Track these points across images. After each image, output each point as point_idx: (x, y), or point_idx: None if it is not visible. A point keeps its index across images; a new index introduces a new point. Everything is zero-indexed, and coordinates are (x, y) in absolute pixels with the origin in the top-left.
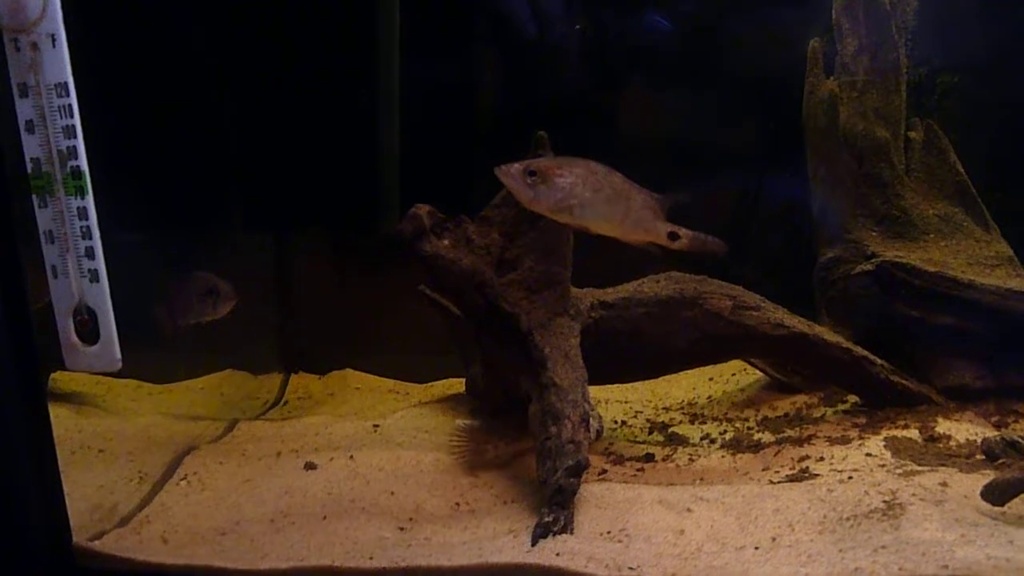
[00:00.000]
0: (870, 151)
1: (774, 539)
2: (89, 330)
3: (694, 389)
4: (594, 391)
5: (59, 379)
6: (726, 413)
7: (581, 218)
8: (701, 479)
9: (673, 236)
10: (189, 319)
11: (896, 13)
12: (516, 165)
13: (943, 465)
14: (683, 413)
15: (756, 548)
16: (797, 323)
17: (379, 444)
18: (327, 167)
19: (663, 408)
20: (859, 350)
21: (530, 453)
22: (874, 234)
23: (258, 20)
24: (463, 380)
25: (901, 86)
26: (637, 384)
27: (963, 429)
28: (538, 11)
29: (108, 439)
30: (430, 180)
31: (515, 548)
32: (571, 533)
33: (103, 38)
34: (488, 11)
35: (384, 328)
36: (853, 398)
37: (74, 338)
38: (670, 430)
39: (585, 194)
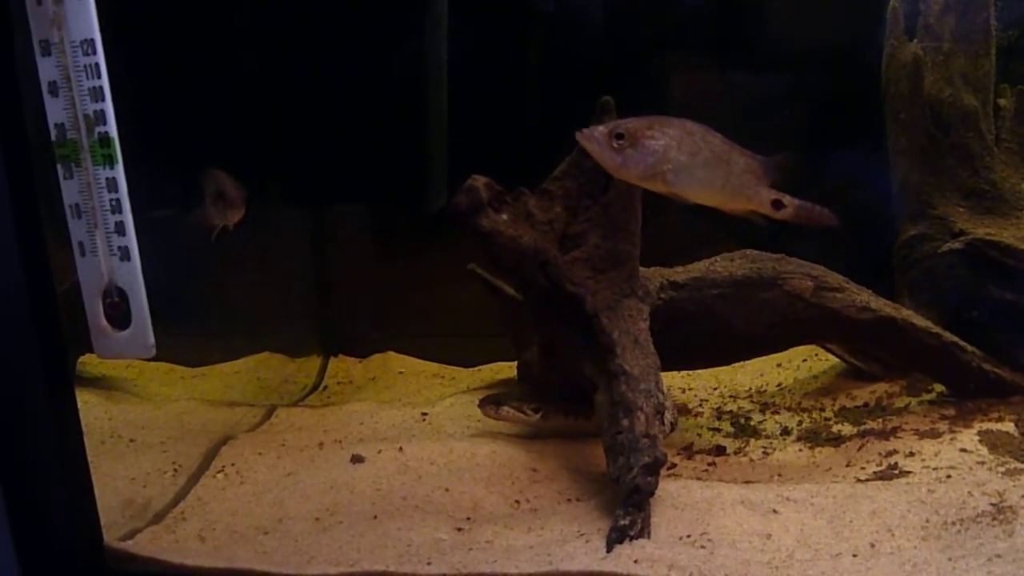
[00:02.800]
0: (957, 120)
1: (873, 545)
2: (120, 313)
3: (762, 375)
4: None
5: (87, 362)
6: (799, 402)
7: (675, 185)
8: (779, 475)
9: (777, 205)
10: (214, 220)
11: None
12: (600, 128)
13: None
14: (752, 401)
15: (854, 555)
16: (884, 306)
17: (429, 435)
18: (370, 142)
19: (730, 396)
20: (949, 336)
21: (590, 442)
22: (961, 209)
23: None
24: (513, 364)
25: (990, 50)
26: (700, 370)
27: None
28: None
29: (140, 427)
30: (479, 155)
31: (588, 554)
32: (648, 537)
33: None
34: None
35: (427, 309)
36: (938, 387)
37: (104, 322)
38: (740, 420)
39: (680, 158)
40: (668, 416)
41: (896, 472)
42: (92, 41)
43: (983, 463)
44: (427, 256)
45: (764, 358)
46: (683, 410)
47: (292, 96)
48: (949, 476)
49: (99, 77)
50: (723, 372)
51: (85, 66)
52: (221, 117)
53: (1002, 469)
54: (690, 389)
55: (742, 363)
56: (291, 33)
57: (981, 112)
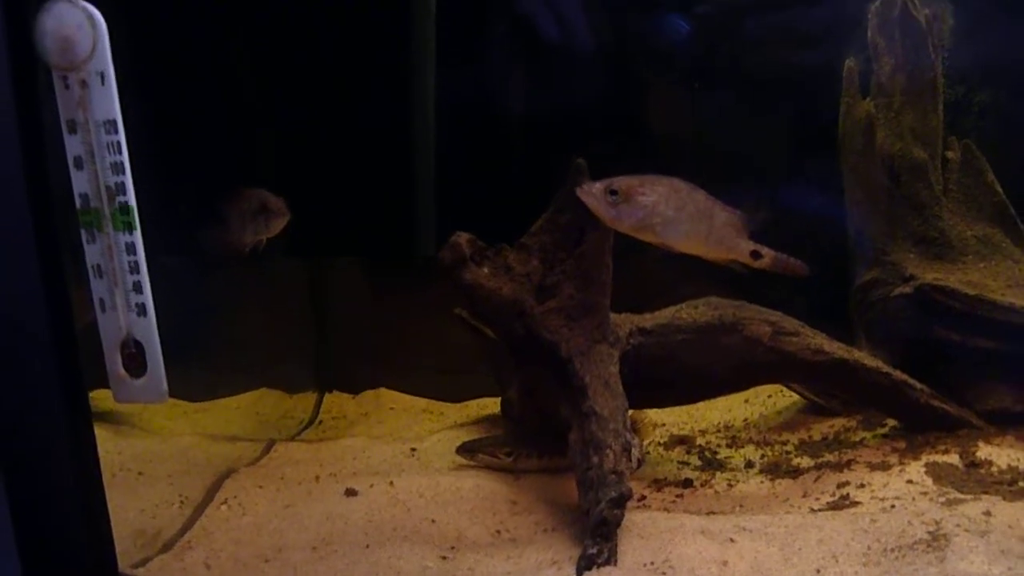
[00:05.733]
0: (907, 172)
1: (818, 571)
2: (137, 363)
3: (730, 411)
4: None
5: (97, 398)
6: (764, 436)
7: (664, 236)
8: (741, 506)
9: (756, 255)
10: (245, 238)
11: (933, 32)
12: (597, 184)
13: (986, 493)
14: (720, 436)
15: None
16: (837, 348)
17: (417, 469)
18: (362, 188)
19: (699, 431)
20: (899, 375)
21: (568, 476)
22: (912, 256)
23: (291, 44)
24: (497, 400)
25: (938, 106)
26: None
27: (1004, 454)
28: (571, 20)
29: (148, 461)
30: (466, 201)
31: None
32: (615, 564)
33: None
34: (522, 25)
35: (416, 347)
36: (892, 421)
37: (122, 371)
38: (707, 454)
39: (668, 212)
40: (635, 453)
41: (847, 502)
42: (114, 122)
43: (926, 493)
44: (415, 296)
45: (732, 394)
46: (684, 440)
47: (285, 145)
48: (893, 506)
49: (120, 153)
50: (694, 407)
51: (107, 143)
52: (216, 164)
53: (942, 499)
54: (662, 424)
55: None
56: (281, 84)
57: (930, 165)
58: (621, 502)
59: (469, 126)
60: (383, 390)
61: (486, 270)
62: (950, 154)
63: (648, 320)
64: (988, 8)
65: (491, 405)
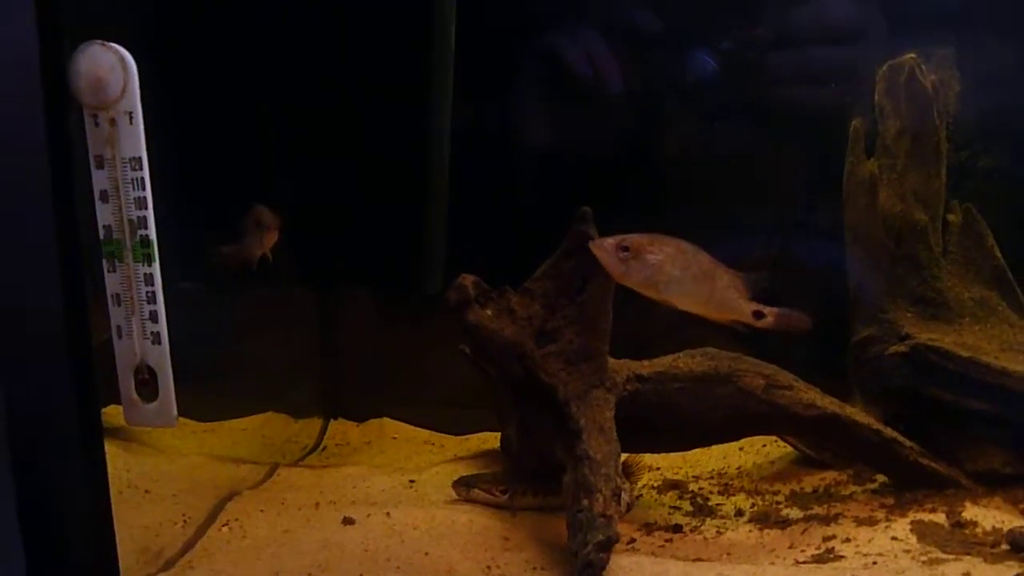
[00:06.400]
0: (908, 233)
1: None
2: (149, 389)
3: (725, 458)
4: (624, 457)
5: (107, 413)
6: (756, 485)
7: (667, 294)
8: (728, 554)
9: (758, 315)
10: (254, 252)
11: (939, 97)
12: (610, 240)
13: (968, 554)
14: (713, 483)
15: None
16: (829, 403)
17: (414, 501)
18: (372, 221)
19: (693, 476)
20: (889, 432)
21: (561, 516)
22: (909, 315)
23: (307, 79)
24: (498, 434)
25: (941, 169)
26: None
27: (990, 516)
28: (595, 59)
29: (154, 479)
30: (476, 235)
31: None
32: None
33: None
34: (542, 61)
35: (421, 378)
36: (882, 477)
37: (135, 395)
38: (699, 500)
39: (674, 272)
40: (625, 497)
41: (831, 556)
42: (139, 159)
43: (909, 551)
44: (424, 329)
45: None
46: (677, 485)
47: (295, 175)
48: (875, 563)
49: (143, 189)
50: (689, 453)
51: (132, 179)
52: (226, 193)
53: (924, 558)
54: (657, 468)
55: None
56: (293, 116)
57: (930, 227)
58: (607, 546)
59: (484, 164)
60: (386, 420)
61: (489, 312)
62: (951, 217)
63: (646, 367)
64: (994, 76)
65: (492, 440)
